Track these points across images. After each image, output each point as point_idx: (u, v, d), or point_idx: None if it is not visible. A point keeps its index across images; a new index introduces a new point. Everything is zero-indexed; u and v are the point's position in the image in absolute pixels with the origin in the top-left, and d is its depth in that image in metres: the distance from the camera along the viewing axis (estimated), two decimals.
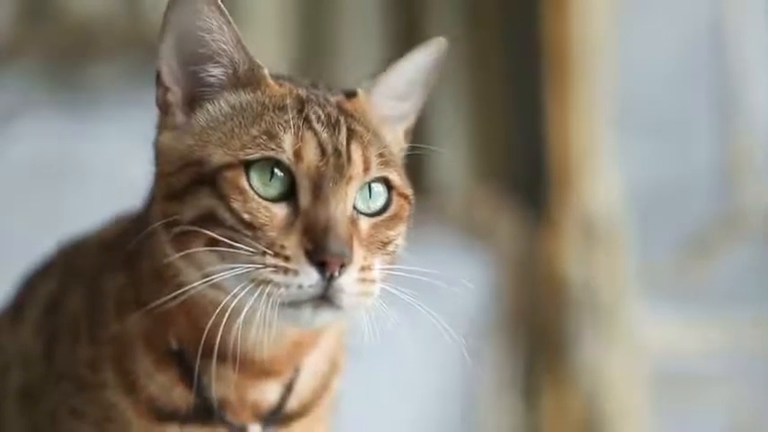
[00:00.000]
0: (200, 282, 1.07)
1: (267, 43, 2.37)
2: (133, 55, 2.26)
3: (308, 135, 1.07)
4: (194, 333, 1.10)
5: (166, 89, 1.12)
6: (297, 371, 1.17)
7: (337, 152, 1.07)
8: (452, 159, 2.42)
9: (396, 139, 1.19)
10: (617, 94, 2.41)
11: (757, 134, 2.52)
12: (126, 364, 1.14)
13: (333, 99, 1.13)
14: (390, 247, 1.11)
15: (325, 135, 1.08)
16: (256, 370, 1.12)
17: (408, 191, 1.14)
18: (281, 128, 1.07)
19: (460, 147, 2.44)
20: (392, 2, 2.44)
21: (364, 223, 1.09)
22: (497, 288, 2.38)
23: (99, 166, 2.15)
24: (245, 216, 1.05)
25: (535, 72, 2.42)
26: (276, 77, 1.14)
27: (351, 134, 1.09)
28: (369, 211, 1.10)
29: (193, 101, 1.12)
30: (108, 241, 1.22)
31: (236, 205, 1.06)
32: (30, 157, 2.17)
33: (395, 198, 1.12)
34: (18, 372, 1.25)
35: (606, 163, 2.40)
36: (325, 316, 1.07)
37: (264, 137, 1.07)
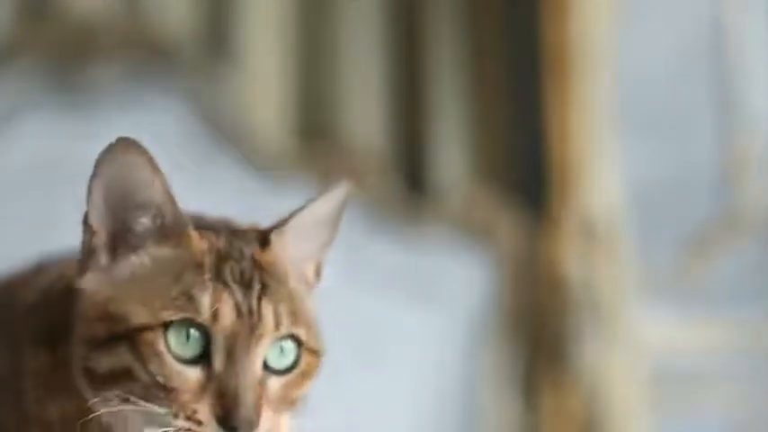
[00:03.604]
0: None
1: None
2: (133, 55, 2.26)
3: (225, 295, 1.11)
4: None
5: (93, 232, 1.13)
6: None
7: (250, 311, 1.11)
8: (452, 159, 2.43)
9: (303, 278, 1.20)
10: (617, 94, 2.41)
11: (757, 134, 2.52)
12: None
13: (248, 251, 1.15)
14: (297, 405, 1.15)
15: (239, 294, 1.11)
16: None
17: (319, 346, 1.17)
18: (199, 289, 1.10)
19: (460, 147, 2.44)
20: (392, 1, 2.44)
21: (274, 383, 1.13)
22: (497, 288, 2.38)
23: None
24: (160, 379, 1.09)
25: (535, 72, 2.42)
26: (198, 222, 1.16)
27: (263, 291, 1.12)
28: (279, 368, 1.13)
29: (118, 246, 1.14)
30: (33, 304, 1.22)
31: (152, 368, 1.09)
32: (30, 157, 2.16)
33: (304, 355, 1.15)
34: None
35: (606, 163, 2.40)
36: None
37: (183, 298, 1.10)
